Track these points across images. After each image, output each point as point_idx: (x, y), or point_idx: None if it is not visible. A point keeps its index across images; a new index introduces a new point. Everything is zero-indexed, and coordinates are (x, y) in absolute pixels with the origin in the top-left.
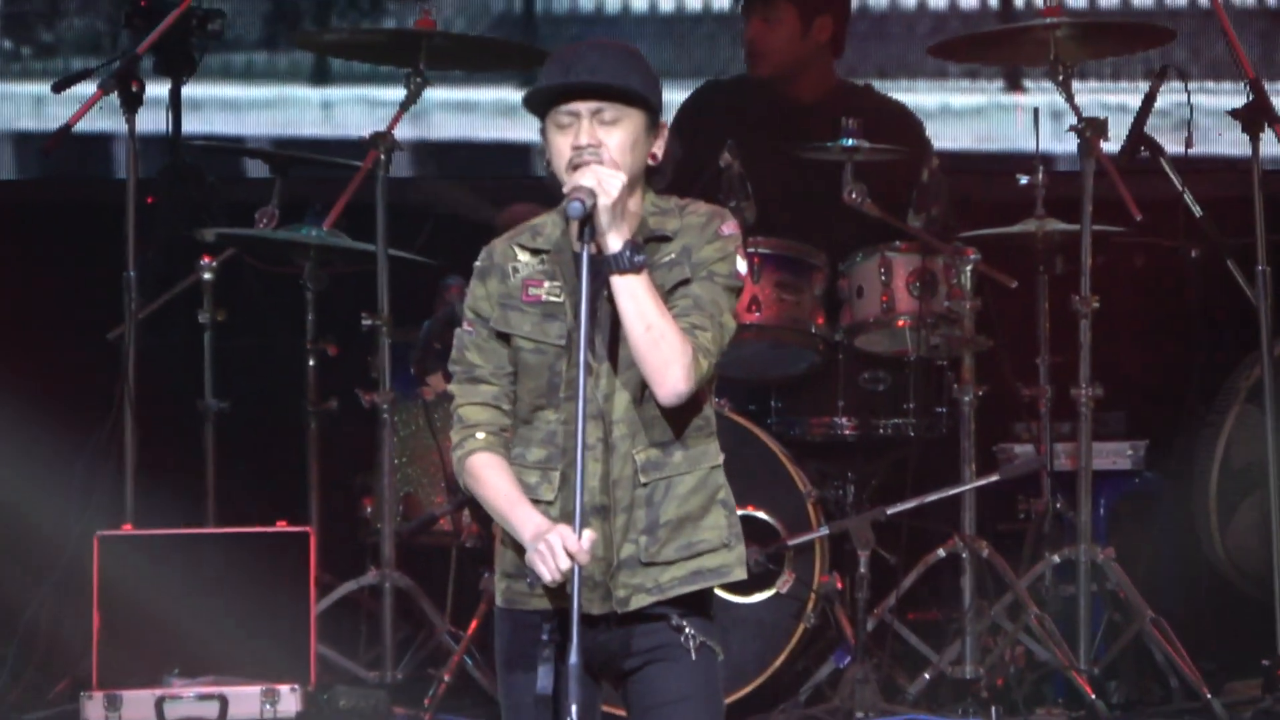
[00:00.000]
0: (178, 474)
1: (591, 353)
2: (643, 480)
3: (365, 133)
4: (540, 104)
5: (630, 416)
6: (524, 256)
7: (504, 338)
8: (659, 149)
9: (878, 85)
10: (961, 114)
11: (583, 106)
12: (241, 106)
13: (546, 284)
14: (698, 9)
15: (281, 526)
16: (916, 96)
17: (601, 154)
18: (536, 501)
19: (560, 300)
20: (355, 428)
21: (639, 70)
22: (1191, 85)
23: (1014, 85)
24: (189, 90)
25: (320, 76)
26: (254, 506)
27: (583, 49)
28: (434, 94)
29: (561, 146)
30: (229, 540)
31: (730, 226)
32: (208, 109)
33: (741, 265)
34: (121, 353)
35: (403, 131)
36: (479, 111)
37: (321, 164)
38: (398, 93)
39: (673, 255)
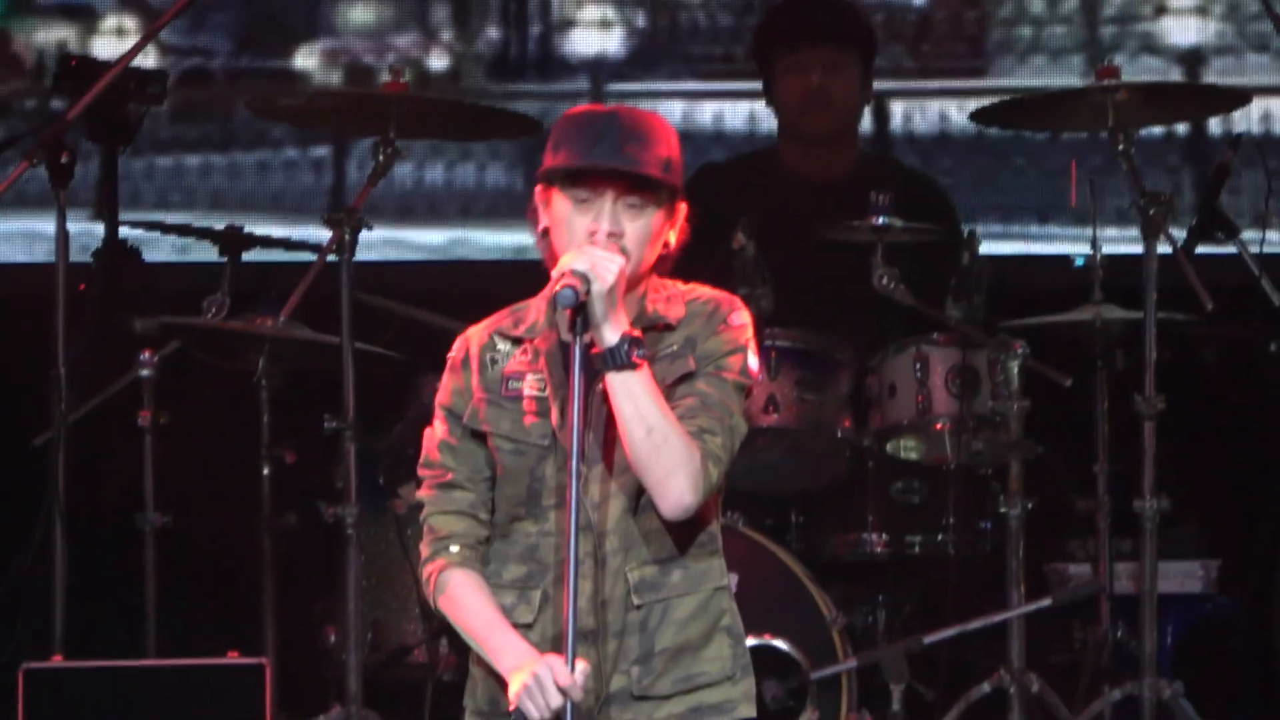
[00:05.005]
0: (114, 598)
1: (581, 455)
2: (636, 602)
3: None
4: (557, 178)
5: (623, 528)
6: (504, 345)
7: (480, 437)
8: (674, 235)
9: None
10: None
11: (608, 189)
12: None
13: (529, 376)
14: None
15: (233, 658)
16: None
17: (621, 242)
18: (514, 626)
19: (544, 395)
20: (316, 545)
21: (667, 147)
22: None
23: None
24: None
25: None
26: (201, 635)
27: (607, 120)
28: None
29: (576, 224)
30: (173, 674)
31: (740, 316)
32: None
33: (753, 360)
34: (50, 460)
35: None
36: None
37: (278, 245)
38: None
39: (675, 347)
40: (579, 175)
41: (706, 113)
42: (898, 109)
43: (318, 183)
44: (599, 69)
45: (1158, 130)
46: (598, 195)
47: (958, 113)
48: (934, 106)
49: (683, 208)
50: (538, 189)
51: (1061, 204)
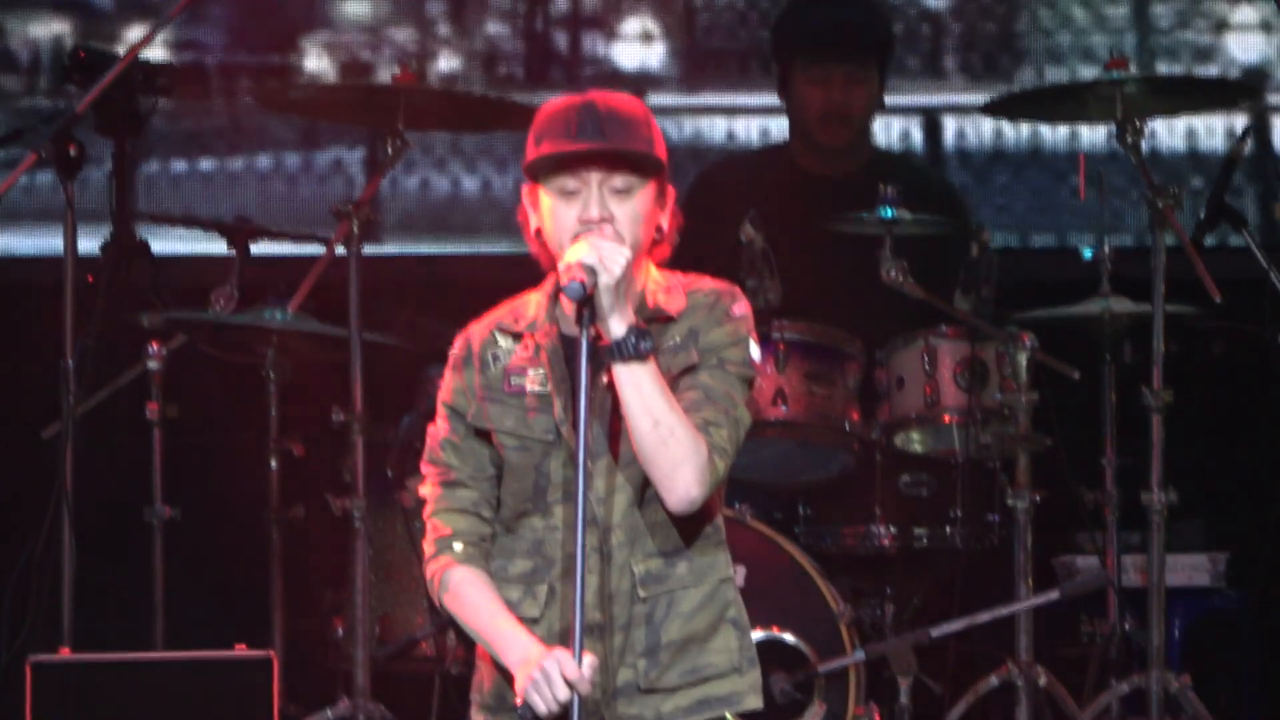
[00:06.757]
0: (121, 591)
1: (587, 449)
2: (642, 595)
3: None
4: (541, 169)
5: (629, 521)
6: (505, 342)
7: (484, 435)
8: (665, 220)
9: None
10: None
11: (593, 175)
12: None
13: (530, 372)
14: None
15: (240, 651)
16: None
17: (608, 228)
18: (520, 620)
19: (546, 390)
20: (324, 538)
21: (650, 129)
22: None
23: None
24: None
25: None
26: (208, 628)
27: (586, 106)
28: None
29: (565, 217)
30: (180, 667)
31: (741, 307)
32: None
33: (755, 351)
34: (58, 453)
35: None
36: None
37: (285, 238)
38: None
39: (678, 339)
40: (564, 163)
41: (753, 129)
42: (950, 126)
43: (346, 195)
44: (641, 82)
45: (1218, 145)
46: (583, 183)
47: (1010, 128)
48: (987, 123)
49: (672, 192)
50: (525, 189)
51: (1118, 223)
